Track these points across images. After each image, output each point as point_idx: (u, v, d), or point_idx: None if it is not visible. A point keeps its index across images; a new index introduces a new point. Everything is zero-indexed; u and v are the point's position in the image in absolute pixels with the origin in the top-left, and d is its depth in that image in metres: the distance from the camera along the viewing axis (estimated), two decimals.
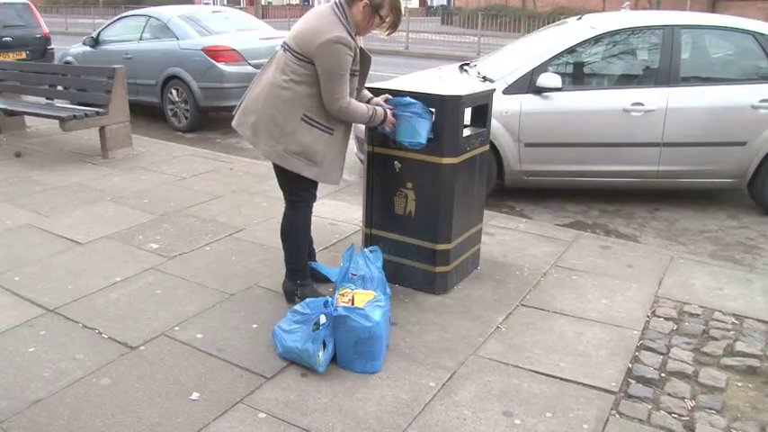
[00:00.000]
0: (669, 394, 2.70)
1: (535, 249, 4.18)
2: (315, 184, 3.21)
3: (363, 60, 3.08)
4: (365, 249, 3.26)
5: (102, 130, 6.19)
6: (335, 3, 2.98)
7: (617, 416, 2.56)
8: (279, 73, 3.00)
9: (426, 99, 3.35)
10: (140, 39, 8.50)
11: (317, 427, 2.45)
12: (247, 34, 8.35)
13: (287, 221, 3.29)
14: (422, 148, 3.29)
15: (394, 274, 3.48)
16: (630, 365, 2.89)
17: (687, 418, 2.56)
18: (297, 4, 45.76)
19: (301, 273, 3.36)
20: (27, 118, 7.31)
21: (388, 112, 3.20)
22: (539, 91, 4.98)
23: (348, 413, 2.54)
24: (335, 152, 3.14)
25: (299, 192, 3.21)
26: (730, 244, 4.66)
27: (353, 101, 3.03)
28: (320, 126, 3.03)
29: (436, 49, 19.39)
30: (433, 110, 3.28)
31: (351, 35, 2.92)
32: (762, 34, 5.02)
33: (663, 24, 5.13)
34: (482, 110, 3.65)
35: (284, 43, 3.04)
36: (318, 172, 3.11)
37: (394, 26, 3.08)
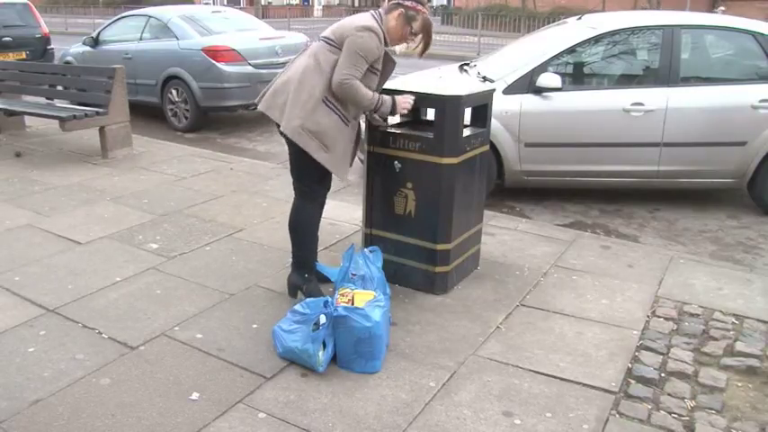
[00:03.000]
0: (669, 394, 2.70)
1: (535, 249, 4.18)
2: (327, 176, 3.25)
3: (386, 64, 3.18)
4: (365, 249, 3.26)
5: (102, 130, 6.19)
6: (373, 10, 3.17)
7: (617, 416, 2.56)
8: (312, 58, 3.13)
9: (426, 99, 3.36)
10: (140, 39, 8.49)
11: (316, 427, 2.45)
12: (247, 34, 8.34)
13: (296, 212, 3.32)
14: (422, 148, 3.29)
15: (394, 274, 3.47)
16: (630, 365, 2.89)
17: (687, 418, 2.56)
18: (297, 4, 45.80)
19: (309, 267, 3.37)
20: (27, 118, 7.31)
21: (399, 97, 3.24)
22: (539, 91, 4.98)
23: (348, 413, 2.54)
24: (346, 145, 3.21)
25: (311, 183, 3.24)
26: (730, 244, 4.66)
27: (360, 84, 3.06)
28: (338, 112, 3.11)
29: (436, 49, 19.27)
30: None
31: (384, 35, 3.09)
32: (762, 34, 5.02)
33: (663, 24, 5.13)
34: (482, 110, 3.65)
35: (321, 35, 3.18)
36: (328, 158, 3.14)
37: (425, 47, 3.25)
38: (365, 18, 3.11)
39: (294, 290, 3.39)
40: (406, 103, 3.25)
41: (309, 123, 3.08)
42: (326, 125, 3.09)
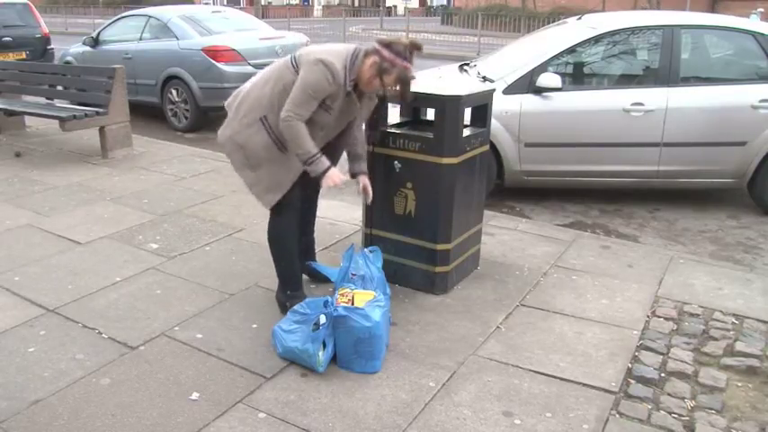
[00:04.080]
0: (669, 394, 2.70)
1: (535, 249, 4.18)
2: (299, 184, 3.08)
3: (349, 105, 3.01)
4: (365, 249, 3.26)
5: (101, 130, 6.20)
6: (358, 47, 2.98)
7: (617, 416, 2.56)
8: (269, 72, 3.04)
9: (426, 99, 3.36)
10: (140, 39, 8.50)
11: (316, 427, 2.45)
12: (247, 34, 8.35)
13: (270, 227, 3.20)
14: (422, 148, 3.29)
15: (394, 274, 3.47)
16: (630, 365, 2.90)
17: (687, 418, 2.56)
18: (297, 4, 45.80)
19: (291, 283, 3.26)
20: (27, 118, 7.32)
21: (333, 170, 2.94)
22: (538, 91, 4.98)
23: (348, 413, 2.54)
24: (277, 171, 3.01)
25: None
26: (730, 244, 4.66)
27: (304, 128, 2.86)
28: (273, 134, 2.96)
29: (436, 49, 19.34)
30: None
31: (346, 75, 2.88)
32: (762, 34, 5.02)
33: (663, 24, 5.14)
34: (482, 110, 3.65)
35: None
36: (251, 176, 3.04)
37: (401, 97, 3.03)
38: (336, 50, 2.93)
39: (282, 307, 3.25)
40: (332, 180, 2.93)
41: (239, 137, 3.00)
42: (256, 143, 2.97)
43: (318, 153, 2.92)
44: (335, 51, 2.92)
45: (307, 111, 2.86)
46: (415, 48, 2.92)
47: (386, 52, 2.87)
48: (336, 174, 2.98)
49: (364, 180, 3.21)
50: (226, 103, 3.20)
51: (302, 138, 2.87)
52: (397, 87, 2.95)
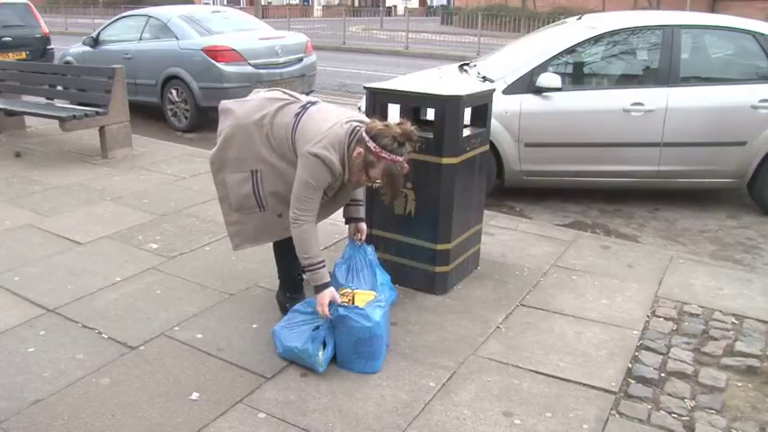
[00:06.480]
0: (669, 394, 2.70)
1: (535, 249, 4.18)
2: None
3: (342, 189, 2.95)
4: (359, 243, 3.24)
5: (101, 130, 6.19)
6: (357, 126, 2.75)
7: (617, 416, 2.56)
8: (271, 126, 2.86)
9: (426, 99, 3.36)
10: (140, 39, 8.50)
11: (316, 427, 2.46)
12: (247, 34, 8.35)
13: None
14: (421, 148, 3.29)
15: (394, 274, 3.47)
16: (630, 365, 2.90)
17: (687, 418, 2.56)
18: (297, 4, 45.82)
19: (291, 285, 3.29)
20: (27, 118, 7.31)
21: (327, 292, 2.76)
22: (538, 91, 4.98)
23: (348, 413, 2.54)
24: (255, 224, 3.03)
25: None
26: (730, 244, 4.66)
27: (314, 231, 2.78)
28: (257, 190, 2.94)
29: (436, 49, 19.38)
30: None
31: (344, 166, 2.74)
32: (762, 34, 5.02)
33: (663, 24, 5.14)
34: (482, 110, 3.65)
35: (307, 105, 2.86)
36: (232, 216, 3.07)
37: (390, 194, 2.76)
38: (335, 134, 2.70)
39: (282, 307, 3.27)
40: (321, 303, 2.75)
41: (228, 178, 3.03)
42: (239, 190, 2.99)
43: (320, 264, 2.76)
44: (334, 136, 2.70)
45: (315, 204, 2.75)
46: (406, 138, 2.66)
47: (371, 144, 2.63)
48: (331, 296, 2.76)
49: (361, 226, 3.15)
50: (219, 108, 3.10)
51: (309, 242, 2.75)
52: (383, 182, 2.71)
